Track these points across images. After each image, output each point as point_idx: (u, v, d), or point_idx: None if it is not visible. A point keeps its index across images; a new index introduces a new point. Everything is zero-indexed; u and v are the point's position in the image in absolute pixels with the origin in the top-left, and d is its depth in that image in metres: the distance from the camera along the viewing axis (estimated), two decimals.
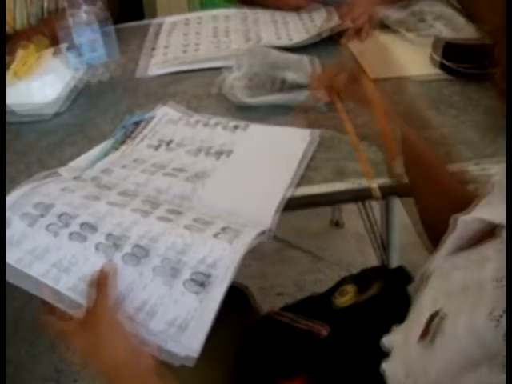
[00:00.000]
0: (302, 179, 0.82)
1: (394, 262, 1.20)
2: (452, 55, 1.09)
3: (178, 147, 0.89)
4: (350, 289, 0.67)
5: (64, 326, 0.58)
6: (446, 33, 1.17)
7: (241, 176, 0.82)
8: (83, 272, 0.62)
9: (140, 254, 0.63)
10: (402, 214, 1.22)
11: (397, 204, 1.27)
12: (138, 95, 1.11)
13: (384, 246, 1.28)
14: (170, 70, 1.17)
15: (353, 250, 1.84)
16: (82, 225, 0.67)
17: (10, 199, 0.72)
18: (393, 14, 1.27)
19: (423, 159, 0.67)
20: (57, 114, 1.05)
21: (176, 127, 0.95)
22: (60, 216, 0.68)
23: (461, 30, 1.17)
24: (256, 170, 0.83)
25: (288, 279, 1.75)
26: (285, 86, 0.99)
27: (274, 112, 0.99)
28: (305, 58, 1.05)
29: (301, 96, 0.97)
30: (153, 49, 1.27)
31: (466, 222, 0.49)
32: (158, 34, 1.35)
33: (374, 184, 0.63)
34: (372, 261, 1.76)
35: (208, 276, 0.60)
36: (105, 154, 0.91)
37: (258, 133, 0.92)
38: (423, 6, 1.28)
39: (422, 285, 0.51)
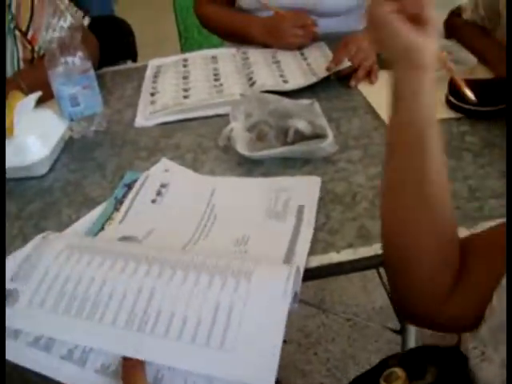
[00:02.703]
0: (320, 245, 0.74)
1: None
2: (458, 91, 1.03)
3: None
4: (400, 373, 0.58)
5: None
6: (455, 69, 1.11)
7: None
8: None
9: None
10: None
11: None
12: (130, 149, 1.02)
13: None
14: (160, 120, 1.08)
15: (356, 288, 1.76)
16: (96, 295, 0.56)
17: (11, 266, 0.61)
18: None
19: None
20: (50, 171, 0.97)
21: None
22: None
23: (469, 67, 1.12)
24: None
25: (291, 325, 1.66)
26: (289, 137, 0.92)
27: (279, 166, 0.91)
28: (315, 105, 0.97)
29: (309, 147, 0.90)
30: (139, 97, 1.19)
31: None
32: (141, 79, 1.27)
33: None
34: (376, 299, 1.68)
35: None
36: (106, 216, 0.82)
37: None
38: None
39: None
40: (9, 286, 0.58)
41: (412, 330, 1.10)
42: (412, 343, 1.14)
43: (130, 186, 0.90)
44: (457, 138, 0.95)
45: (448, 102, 1.03)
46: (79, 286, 0.57)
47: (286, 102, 0.96)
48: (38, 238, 0.67)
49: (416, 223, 0.57)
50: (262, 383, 0.49)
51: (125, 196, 0.88)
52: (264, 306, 0.53)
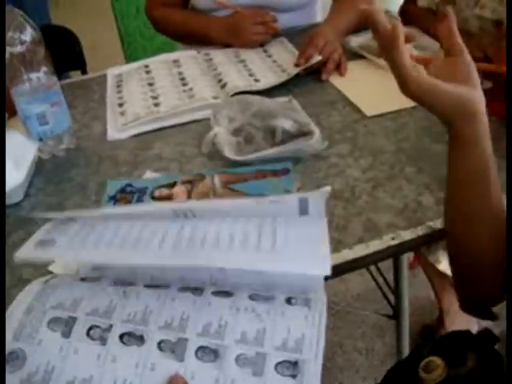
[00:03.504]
0: (331, 243, 0.73)
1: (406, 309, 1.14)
2: None
3: None
4: (439, 362, 0.59)
5: None
6: (417, 55, 1.13)
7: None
8: (155, 382, 0.47)
9: (211, 350, 0.49)
10: None
11: None
12: (109, 165, 0.97)
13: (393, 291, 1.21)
14: (134, 132, 1.04)
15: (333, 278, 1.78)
16: (127, 320, 0.50)
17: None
18: (354, 39, 1.23)
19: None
20: (25, 197, 0.91)
21: None
22: (93, 314, 0.51)
23: (433, 52, 1.14)
24: None
25: None
26: (277, 137, 0.90)
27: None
28: (293, 102, 0.97)
29: (299, 145, 0.89)
30: (105, 109, 1.14)
31: None
32: (103, 90, 1.22)
33: None
34: (353, 287, 1.70)
35: (295, 363, 0.48)
36: None
37: None
38: None
39: None
40: (11, 346, 0.50)
41: (406, 315, 1.12)
42: (406, 328, 1.16)
43: (115, 198, 0.85)
44: (437, 123, 0.94)
45: None
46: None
47: (269, 102, 0.95)
48: (36, 284, 0.57)
49: (482, 236, 0.63)
50: (319, 270, 0.49)
51: None
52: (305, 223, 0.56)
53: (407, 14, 1.31)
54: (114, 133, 1.05)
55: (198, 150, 0.97)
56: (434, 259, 1.19)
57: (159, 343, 0.49)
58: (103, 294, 0.53)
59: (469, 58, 0.62)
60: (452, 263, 0.69)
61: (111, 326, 0.50)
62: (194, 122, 1.06)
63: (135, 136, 1.04)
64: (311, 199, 0.57)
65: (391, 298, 1.31)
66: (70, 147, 1.02)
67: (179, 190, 0.84)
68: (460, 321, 1.37)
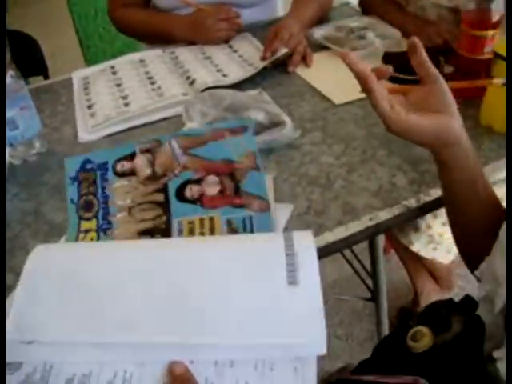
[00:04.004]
0: (312, 228, 0.76)
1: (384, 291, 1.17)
2: (393, 64, 1.08)
3: None
4: (425, 330, 0.61)
5: None
6: (381, 44, 1.16)
7: None
8: (157, 373, 0.48)
9: None
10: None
11: None
12: None
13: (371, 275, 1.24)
14: (106, 132, 1.04)
15: None
16: None
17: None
18: (317, 31, 1.25)
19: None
20: None
21: None
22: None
23: (395, 40, 1.17)
24: None
25: None
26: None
27: None
28: (263, 94, 0.98)
29: (272, 136, 0.91)
30: (74, 111, 1.13)
31: None
32: (69, 93, 1.21)
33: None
34: (328, 274, 1.73)
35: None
36: (74, 232, 0.77)
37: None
38: (346, 22, 1.27)
39: None
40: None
41: (384, 296, 1.16)
42: (385, 308, 1.19)
43: (78, 179, 0.81)
44: None
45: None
46: None
47: (241, 96, 0.96)
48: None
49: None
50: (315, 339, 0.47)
51: (81, 195, 0.80)
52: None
53: (367, 5, 1.34)
54: (85, 135, 1.05)
55: None
56: (406, 241, 1.22)
57: None
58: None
59: (444, 84, 0.65)
60: (450, 220, 0.73)
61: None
62: (165, 119, 1.06)
63: (107, 136, 1.04)
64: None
65: (368, 282, 1.34)
66: (41, 151, 1.01)
67: (141, 161, 0.80)
68: (434, 300, 1.41)
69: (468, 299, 0.63)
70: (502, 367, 0.49)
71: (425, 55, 0.65)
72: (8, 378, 0.49)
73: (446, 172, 0.68)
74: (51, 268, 0.56)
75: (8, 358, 0.50)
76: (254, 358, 0.49)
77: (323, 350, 0.47)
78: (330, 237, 0.75)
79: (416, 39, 0.64)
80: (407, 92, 0.67)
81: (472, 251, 0.68)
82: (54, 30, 2.09)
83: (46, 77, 1.63)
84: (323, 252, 0.74)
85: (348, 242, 0.76)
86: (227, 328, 0.50)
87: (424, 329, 0.62)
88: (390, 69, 0.67)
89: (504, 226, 0.54)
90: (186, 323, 0.50)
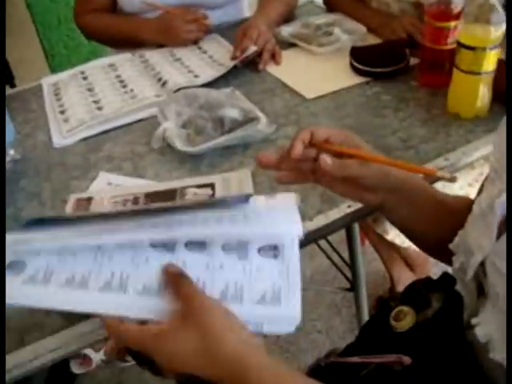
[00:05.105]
0: None
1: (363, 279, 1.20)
2: (360, 58, 1.12)
3: None
4: (407, 309, 0.64)
5: (146, 335, 0.49)
6: (347, 40, 1.19)
7: None
8: (150, 273, 0.52)
9: (199, 242, 0.55)
10: None
11: None
12: (60, 171, 0.96)
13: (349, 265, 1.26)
14: (81, 136, 1.04)
15: None
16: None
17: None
18: (285, 29, 1.27)
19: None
20: None
21: None
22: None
23: (360, 35, 1.21)
24: None
25: None
26: (225, 126, 0.93)
27: (222, 155, 0.92)
28: (236, 92, 1.00)
29: (247, 132, 0.92)
30: (45, 118, 1.12)
31: (502, 203, 0.50)
32: (39, 100, 1.20)
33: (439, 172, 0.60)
34: (305, 269, 1.75)
35: (275, 247, 0.55)
36: None
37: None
38: (312, 19, 1.30)
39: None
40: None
41: (363, 284, 1.18)
42: (365, 297, 1.22)
43: None
44: (373, 99, 1.03)
45: (353, 68, 1.11)
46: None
47: (215, 94, 0.97)
48: None
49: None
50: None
51: None
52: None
53: (331, 2, 1.37)
54: (59, 140, 1.04)
55: (148, 147, 0.98)
56: (381, 230, 1.25)
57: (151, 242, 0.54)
58: None
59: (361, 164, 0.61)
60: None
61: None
62: (140, 121, 1.07)
63: (82, 140, 1.04)
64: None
65: (345, 272, 1.37)
66: (16, 158, 1.01)
67: None
68: None
69: (446, 276, 0.66)
70: (479, 331, 0.51)
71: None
72: (12, 278, 0.52)
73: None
74: None
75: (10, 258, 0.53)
76: (242, 262, 0.54)
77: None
78: (311, 225, 0.77)
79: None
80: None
81: (438, 247, 0.71)
82: (18, 40, 2.06)
83: (13, 85, 1.61)
84: (306, 241, 0.76)
85: (328, 230, 0.79)
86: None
87: (406, 308, 0.64)
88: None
89: (477, 201, 0.56)
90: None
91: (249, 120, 0.95)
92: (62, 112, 1.11)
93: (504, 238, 0.48)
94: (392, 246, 1.34)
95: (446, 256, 0.63)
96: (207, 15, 1.31)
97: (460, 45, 0.89)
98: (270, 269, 0.53)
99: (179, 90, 1.07)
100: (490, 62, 0.88)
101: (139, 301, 0.51)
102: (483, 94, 0.91)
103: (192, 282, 0.51)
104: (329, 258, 1.43)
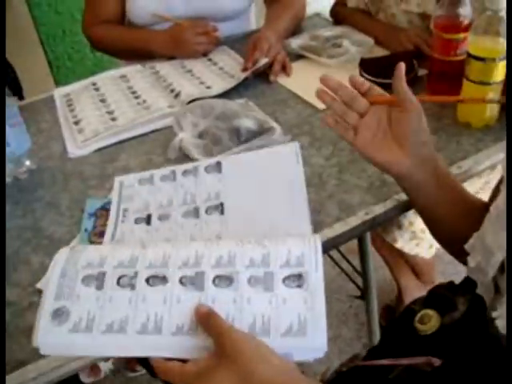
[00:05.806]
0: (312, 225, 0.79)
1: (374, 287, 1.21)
2: (370, 69, 1.14)
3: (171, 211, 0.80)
4: (432, 313, 0.65)
5: (187, 376, 0.52)
6: (356, 51, 1.21)
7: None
8: (182, 312, 0.55)
9: (226, 277, 0.57)
10: None
11: None
12: (77, 180, 0.98)
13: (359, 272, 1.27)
14: (96, 146, 1.05)
15: None
16: (149, 266, 0.59)
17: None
18: (294, 41, 1.29)
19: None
20: None
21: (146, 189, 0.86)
22: (120, 267, 0.59)
23: (369, 47, 1.23)
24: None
25: None
26: (242, 136, 0.95)
27: None
28: (249, 103, 1.01)
29: (263, 141, 0.94)
30: (59, 128, 1.14)
31: None
32: (52, 111, 1.21)
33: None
34: None
35: (299, 276, 0.57)
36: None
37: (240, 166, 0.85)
38: (320, 31, 1.32)
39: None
40: (55, 305, 0.57)
41: (374, 292, 1.19)
42: (375, 305, 1.23)
43: (96, 215, 0.87)
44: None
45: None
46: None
47: (231, 104, 0.99)
48: (63, 252, 0.62)
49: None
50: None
51: (96, 226, 0.85)
52: None
53: (338, 15, 1.40)
54: (74, 150, 1.06)
55: (164, 157, 1.00)
56: (391, 239, 1.27)
57: (180, 279, 0.57)
58: (125, 249, 0.61)
59: (417, 117, 0.69)
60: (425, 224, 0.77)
61: (136, 273, 0.58)
62: (154, 131, 1.08)
63: (97, 150, 1.05)
64: None
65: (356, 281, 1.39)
66: (32, 168, 1.02)
67: None
68: (418, 295, 1.46)
69: (468, 280, 0.67)
70: (500, 323, 0.53)
71: (405, 84, 0.68)
72: (57, 329, 0.55)
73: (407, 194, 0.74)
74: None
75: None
76: (268, 295, 0.56)
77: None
78: (330, 233, 0.78)
79: (402, 65, 0.68)
80: (392, 103, 0.71)
81: (451, 241, 0.73)
82: (22, 51, 2.07)
83: (21, 97, 1.62)
84: (325, 248, 0.77)
85: (346, 237, 0.80)
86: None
87: (430, 311, 0.66)
88: (365, 83, 0.73)
89: (495, 204, 0.58)
90: None
91: (264, 130, 0.96)
92: (76, 123, 1.13)
93: None
94: (400, 254, 1.36)
95: (454, 248, 0.70)
96: (217, 27, 1.33)
97: (470, 56, 0.91)
98: (296, 299, 0.55)
99: (192, 101, 1.09)
100: (499, 72, 0.90)
101: (174, 341, 0.54)
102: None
103: (222, 319, 0.53)
104: (338, 266, 1.44)
